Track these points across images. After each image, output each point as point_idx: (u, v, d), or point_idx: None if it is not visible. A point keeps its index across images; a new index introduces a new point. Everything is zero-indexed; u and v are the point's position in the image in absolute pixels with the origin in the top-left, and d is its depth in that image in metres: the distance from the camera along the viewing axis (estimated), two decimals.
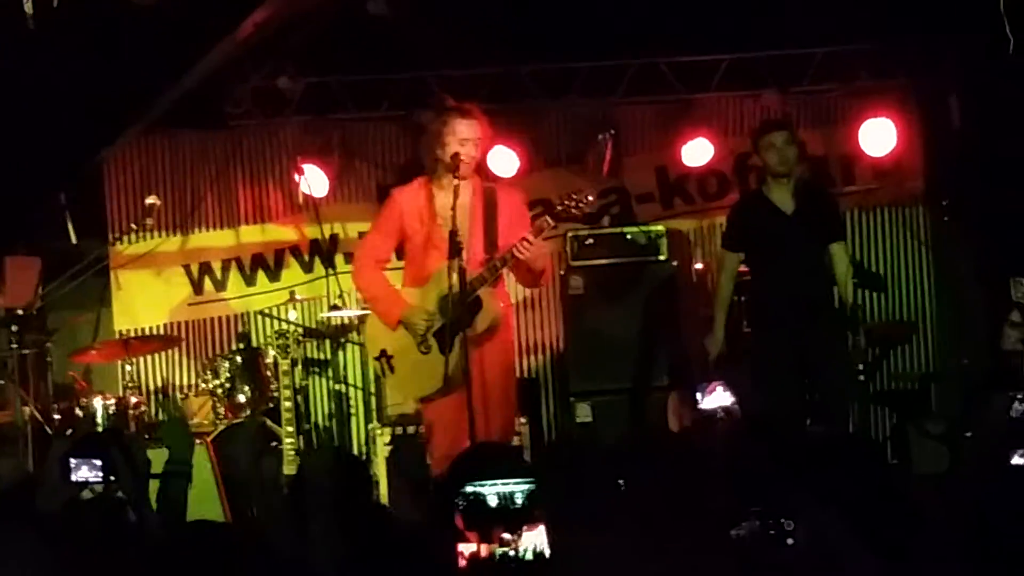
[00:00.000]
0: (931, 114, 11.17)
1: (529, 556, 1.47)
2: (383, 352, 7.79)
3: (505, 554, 1.50)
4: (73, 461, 5.17)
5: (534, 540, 1.48)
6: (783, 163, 8.79)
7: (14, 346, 8.56)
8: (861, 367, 8.87)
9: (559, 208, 7.51)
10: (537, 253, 7.47)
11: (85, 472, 5.05)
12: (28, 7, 7.05)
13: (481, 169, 8.15)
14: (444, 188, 7.67)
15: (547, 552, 1.45)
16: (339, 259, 11.03)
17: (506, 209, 7.74)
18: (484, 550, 1.52)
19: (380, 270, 7.99)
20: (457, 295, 7.33)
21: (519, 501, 1.49)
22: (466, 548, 1.52)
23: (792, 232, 8.74)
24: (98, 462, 4.81)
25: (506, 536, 1.52)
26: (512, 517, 1.52)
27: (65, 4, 7.62)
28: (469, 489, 1.51)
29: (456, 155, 7.58)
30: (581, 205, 7.52)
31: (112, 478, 4.76)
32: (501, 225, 7.69)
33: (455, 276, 7.33)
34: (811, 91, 11.25)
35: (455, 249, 7.37)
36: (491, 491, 1.50)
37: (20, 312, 8.69)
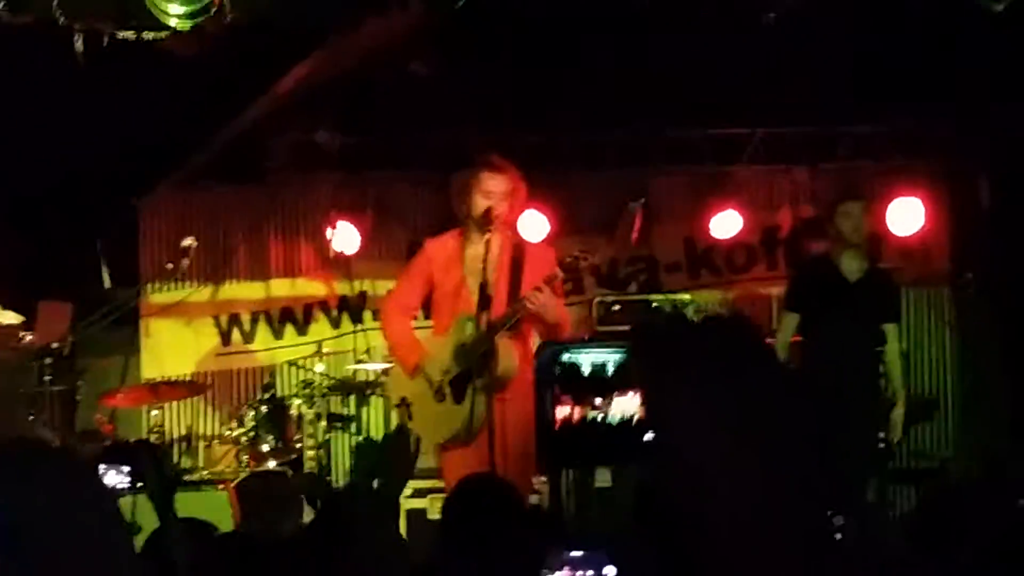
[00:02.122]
0: (960, 195, 11.26)
1: (617, 421, 1.54)
2: (403, 400, 7.87)
3: (595, 418, 1.57)
4: (102, 467, 5.23)
5: (623, 406, 1.55)
6: (856, 232, 8.94)
7: (47, 378, 8.64)
8: (883, 435, 8.94)
9: (567, 260, 7.65)
10: (547, 304, 7.54)
11: (113, 478, 5.12)
12: (79, 45, 7.21)
13: (510, 227, 8.27)
14: (474, 241, 7.79)
15: (635, 417, 1.53)
16: (367, 316, 11.11)
17: (532, 266, 7.82)
18: (577, 413, 1.59)
19: (406, 318, 8.10)
20: (472, 345, 7.46)
21: (610, 370, 1.56)
22: (560, 411, 1.58)
23: (852, 301, 8.86)
24: (126, 468, 4.88)
25: (597, 401, 1.58)
26: (603, 384, 1.59)
27: (110, 51, 7.80)
28: (565, 357, 1.58)
29: (489, 210, 7.70)
30: (588, 258, 7.69)
31: (139, 485, 4.83)
32: (526, 281, 7.76)
33: (471, 326, 7.48)
34: (841, 168, 11.34)
35: (484, 300, 7.49)
36: (586, 359, 1.57)
37: (54, 346, 8.79)
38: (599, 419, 1.85)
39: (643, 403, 1.67)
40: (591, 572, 3.14)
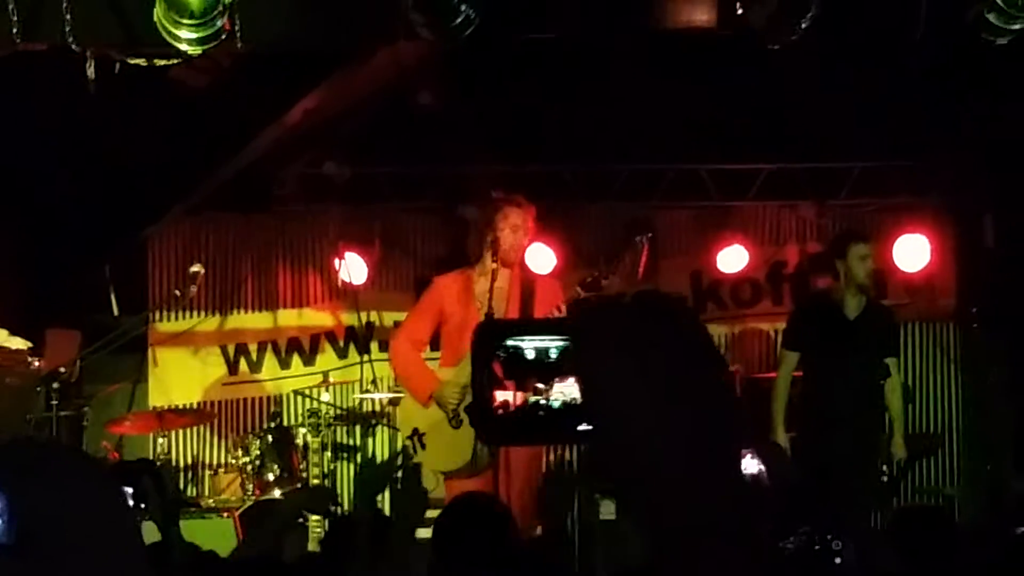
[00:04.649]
0: (965, 233, 11.30)
1: (558, 405, 1.58)
2: (415, 431, 7.98)
3: (537, 402, 1.61)
4: None
5: (564, 390, 1.59)
6: (869, 275, 9.01)
7: (54, 402, 8.66)
8: (884, 469, 8.98)
9: (589, 279, 7.74)
10: None
11: None
12: (90, 72, 7.27)
13: (519, 262, 8.37)
14: (485, 275, 7.90)
15: (576, 401, 1.57)
16: (374, 346, 11.15)
17: (543, 300, 7.94)
18: (519, 398, 1.63)
19: (416, 351, 8.21)
20: None
21: (553, 356, 1.60)
22: (502, 395, 1.62)
23: (852, 337, 8.90)
24: (129, 490, 4.89)
25: (539, 386, 1.62)
26: (546, 369, 1.62)
27: (120, 80, 7.86)
28: (509, 342, 1.62)
29: (497, 241, 7.81)
30: (610, 276, 7.75)
31: (142, 506, 4.85)
32: (536, 313, 7.87)
33: None
34: (847, 205, 11.38)
35: None
36: (529, 345, 1.61)
37: (61, 370, 8.83)
38: (541, 403, 1.89)
39: (579, 383, 1.72)
40: None
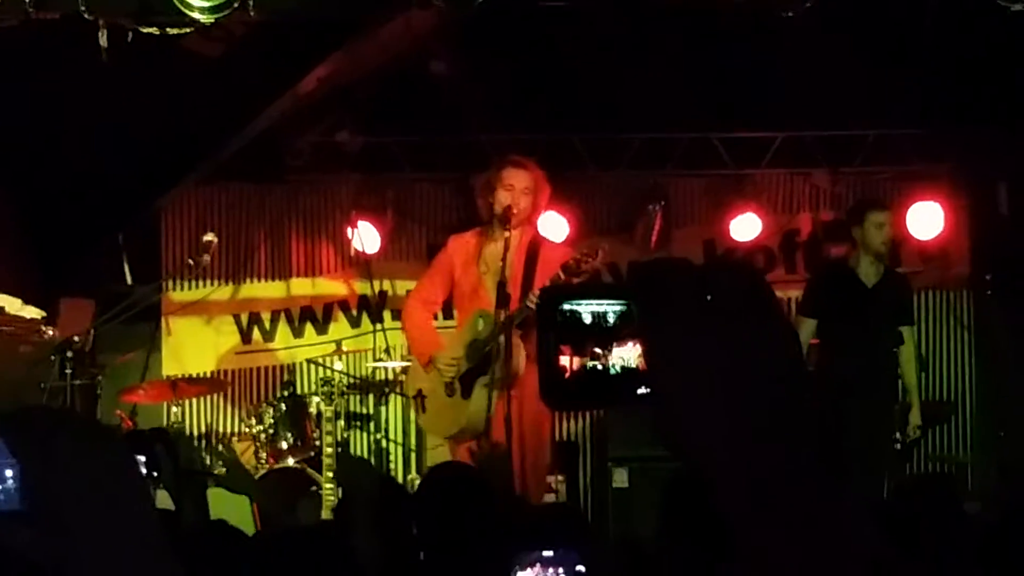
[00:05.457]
0: (979, 200, 11.27)
1: (617, 369, 1.58)
2: (419, 392, 7.98)
3: (595, 367, 1.61)
4: None
5: (623, 355, 1.59)
6: (886, 243, 9.01)
7: (68, 371, 8.68)
8: (898, 437, 8.99)
9: (571, 262, 7.55)
10: None
11: None
12: (103, 40, 7.27)
13: (532, 225, 8.31)
14: (493, 238, 7.87)
15: (634, 366, 1.56)
16: (387, 315, 11.15)
17: (545, 264, 7.85)
18: (576, 363, 1.63)
19: (427, 312, 8.22)
20: (482, 341, 7.54)
21: (611, 320, 1.59)
22: (561, 360, 1.63)
23: (869, 305, 8.90)
24: (142, 458, 4.90)
25: (597, 351, 1.62)
26: (604, 334, 1.62)
27: (133, 50, 7.86)
28: (566, 307, 1.62)
29: (508, 208, 7.76)
30: (590, 260, 7.57)
31: (155, 474, 4.87)
32: (539, 279, 7.80)
33: (483, 322, 7.55)
34: (861, 172, 11.35)
35: (503, 299, 7.53)
36: (586, 309, 1.61)
37: (75, 339, 8.84)
38: (599, 368, 1.87)
39: (642, 347, 1.71)
40: (562, 570, 3.20)
